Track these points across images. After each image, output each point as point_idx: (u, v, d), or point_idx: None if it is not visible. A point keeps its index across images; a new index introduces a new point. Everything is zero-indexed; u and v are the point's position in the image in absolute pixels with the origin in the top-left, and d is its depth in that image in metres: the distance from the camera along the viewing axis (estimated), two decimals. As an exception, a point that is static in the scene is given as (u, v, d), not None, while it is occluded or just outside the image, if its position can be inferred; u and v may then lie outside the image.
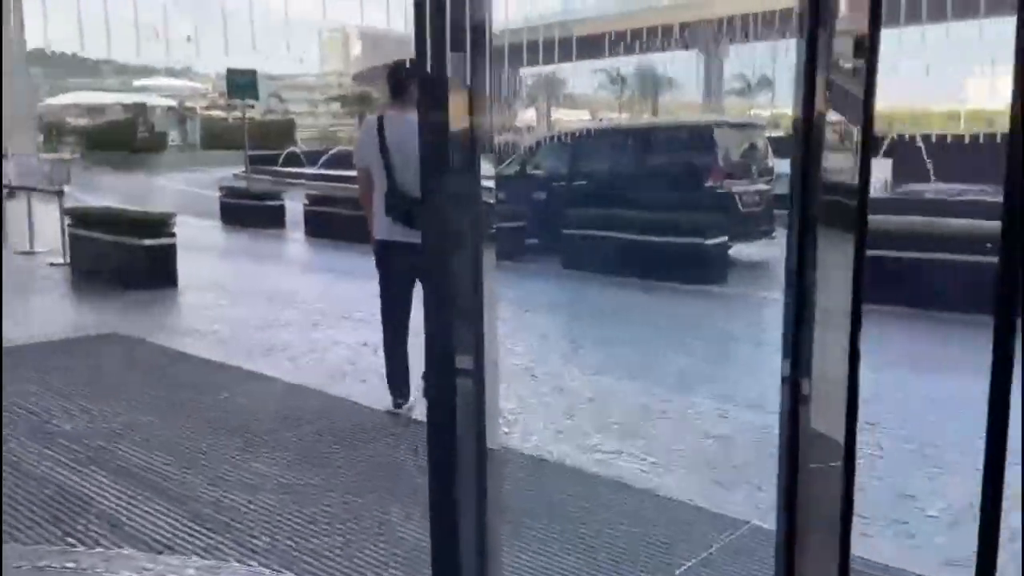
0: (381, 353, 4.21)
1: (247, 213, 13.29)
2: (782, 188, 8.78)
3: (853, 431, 0.85)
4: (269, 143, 34.99)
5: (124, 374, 4.83)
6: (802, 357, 0.89)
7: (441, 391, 1.15)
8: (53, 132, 62.29)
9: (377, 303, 4.17)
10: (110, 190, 23.40)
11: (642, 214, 8.16)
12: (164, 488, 3.22)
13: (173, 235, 7.54)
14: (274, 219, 13.03)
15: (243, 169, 29.39)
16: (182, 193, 22.84)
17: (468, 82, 1.08)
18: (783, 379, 0.91)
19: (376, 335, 4.33)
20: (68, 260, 8.28)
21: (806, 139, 0.87)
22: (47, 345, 5.34)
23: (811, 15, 0.85)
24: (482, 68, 1.09)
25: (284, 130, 47.11)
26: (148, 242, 7.17)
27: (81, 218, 8.22)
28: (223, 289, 7.77)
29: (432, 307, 1.15)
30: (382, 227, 4.02)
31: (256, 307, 6.95)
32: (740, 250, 9.06)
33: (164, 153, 41.96)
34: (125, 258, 7.42)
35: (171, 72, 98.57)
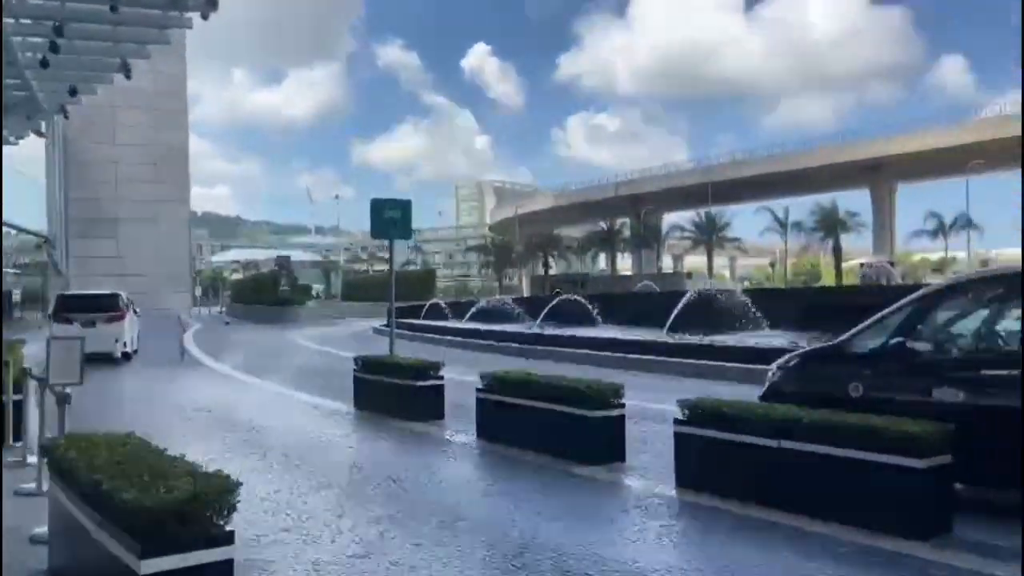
0: None
1: (389, 394, 8.22)
2: None
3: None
4: (409, 294, 31.33)
5: None
6: None
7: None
8: (208, 286, 63.37)
9: None
10: (231, 347, 19.16)
11: None
12: None
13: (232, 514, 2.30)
14: (429, 405, 7.85)
15: (383, 323, 25.04)
16: (310, 353, 18.39)
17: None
18: None
19: None
20: None
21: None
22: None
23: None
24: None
25: (424, 280, 43.92)
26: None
27: None
28: None
29: None
30: None
31: None
32: None
33: (306, 304, 39.48)
34: None
35: (320, 230, 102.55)
